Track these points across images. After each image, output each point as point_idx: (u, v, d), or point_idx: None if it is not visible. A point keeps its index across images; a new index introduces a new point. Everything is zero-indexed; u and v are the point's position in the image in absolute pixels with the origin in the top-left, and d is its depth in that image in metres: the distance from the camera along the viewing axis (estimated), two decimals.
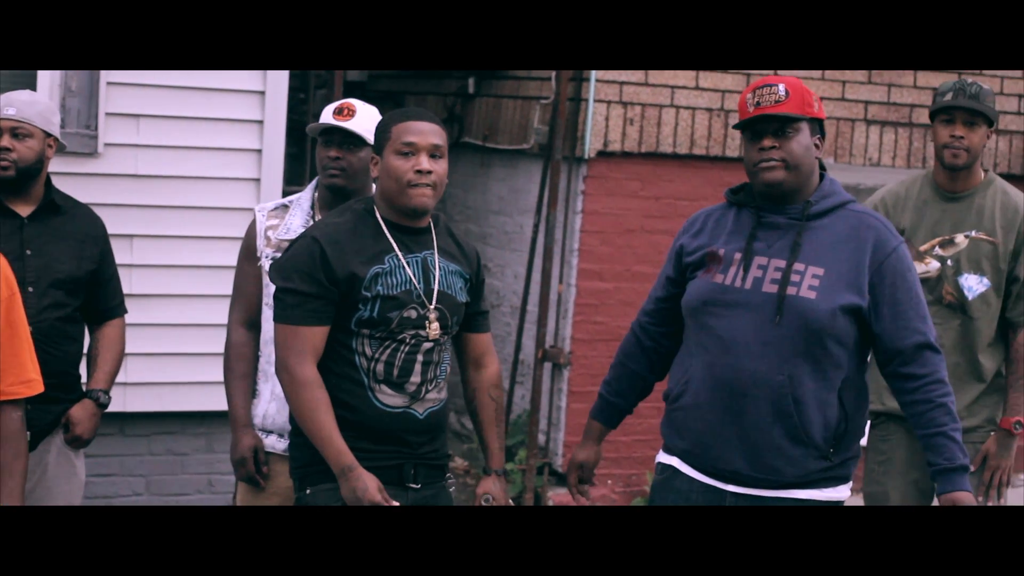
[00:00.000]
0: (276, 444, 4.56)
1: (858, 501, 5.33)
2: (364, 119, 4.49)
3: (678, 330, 4.31)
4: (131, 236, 6.28)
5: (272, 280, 4.13)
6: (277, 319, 4.03)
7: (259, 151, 6.50)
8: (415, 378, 4.04)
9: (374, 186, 4.17)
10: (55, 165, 5.05)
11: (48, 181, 4.85)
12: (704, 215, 4.29)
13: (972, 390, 5.16)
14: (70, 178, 5.78)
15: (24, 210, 4.77)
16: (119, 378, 5.07)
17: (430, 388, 4.08)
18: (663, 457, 4.29)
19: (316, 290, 3.96)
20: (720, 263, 4.13)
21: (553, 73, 7.38)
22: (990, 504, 5.16)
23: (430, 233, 4.13)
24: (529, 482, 7.39)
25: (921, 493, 5.20)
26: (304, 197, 4.65)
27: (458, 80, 8.35)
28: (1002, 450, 5.15)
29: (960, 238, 5.16)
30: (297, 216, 4.60)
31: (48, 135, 4.79)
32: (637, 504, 7.51)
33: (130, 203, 6.31)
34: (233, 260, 4.73)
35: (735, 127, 4.19)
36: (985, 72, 7.83)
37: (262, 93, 6.48)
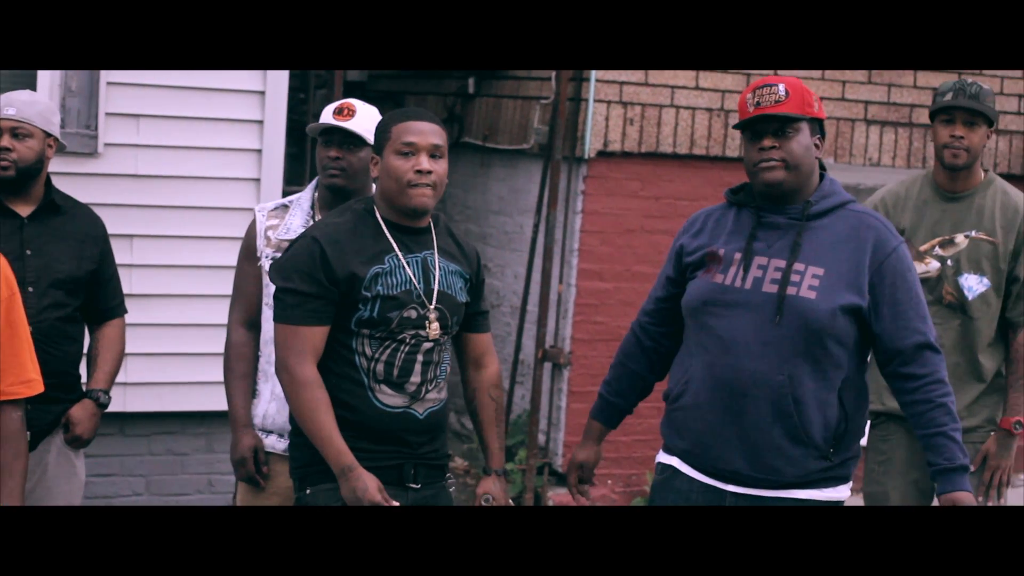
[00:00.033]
0: (276, 444, 4.56)
1: (858, 501, 5.33)
2: (364, 119, 4.49)
3: (678, 330, 4.31)
4: (131, 236, 6.28)
5: (272, 280, 4.13)
6: (277, 319, 4.02)
7: (259, 151, 6.50)
8: (415, 378, 4.04)
9: (374, 186, 4.17)
10: (55, 165, 5.05)
11: (48, 181, 4.85)
12: (704, 215, 4.29)
13: (972, 390, 5.16)
14: (70, 178, 5.78)
15: (24, 210, 4.76)
16: (119, 378, 5.07)
17: (430, 388, 4.08)
18: (663, 457, 4.29)
19: (316, 290, 3.96)
20: (720, 263, 4.13)
21: (553, 73, 7.38)
22: (990, 504, 5.16)
23: (430, 233, 4.13)
24: (529, 482, 7.39)
25: (921, 493, 5.20)
26: (304, 197, 4.65)
27: (458, 80, 8.35)
28: (1002, 450, 5.15)
29: (960, 238, 5.16)
30: (297, 216, 4.60)
31: (48, 135, 4.79)
32: (637, 504, 7.51)
33: (130, 203, 6.31)
34: (233, 260, 4.73)
35: (735, 127, 4.19)
36: (985, 72, 7.83)
37: (262, 93, 6.48)
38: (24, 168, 4.70)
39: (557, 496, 7.47)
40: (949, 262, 5.16)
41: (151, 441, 6.64)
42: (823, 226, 4.08)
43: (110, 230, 4.99)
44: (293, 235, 4.48)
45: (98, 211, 4.99)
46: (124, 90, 6.28)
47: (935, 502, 4.33)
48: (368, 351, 4.00)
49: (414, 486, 4.07)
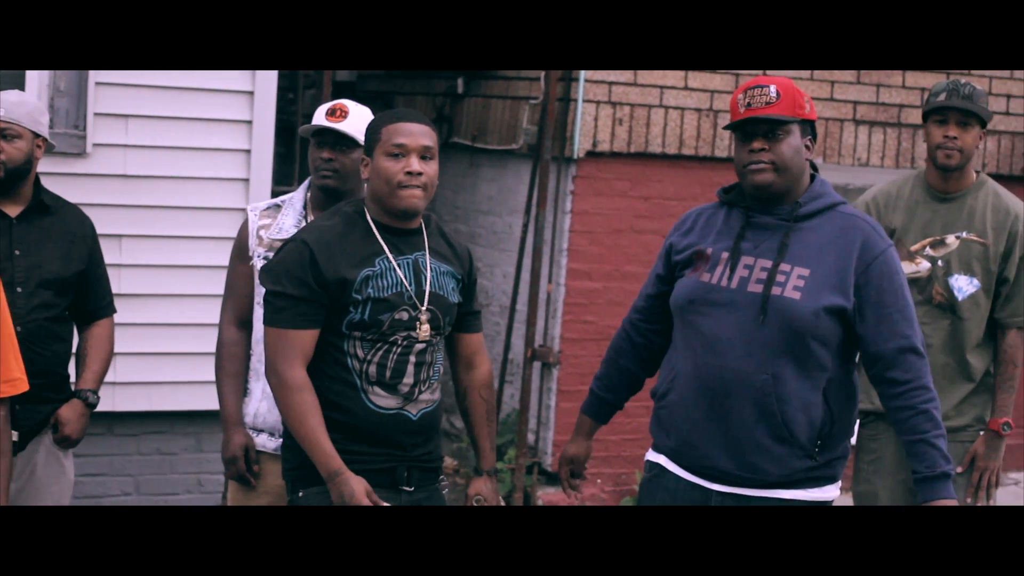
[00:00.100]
0: (267, 443, 4.56)
1: (848, 500, 5.34)
2: (357, 120, 4.49)
3: (668, 327, 4.31)
4: (120, 236, 6.28)
5: (262, 283, 4.12)
6: (267, 322, 4.01)
7: (248, 151, 6.50)
8: (408, 379, 4.04)
9: (366, 187, 4.17)
10: (44, 165, 5.04)
11: (37, 181, 4.84)
12: (695, 214, 4.29)
13: (961, 389, 5.17)
14: (59, 178, 5.78)
15: (13, 210, 4.76)
16: (108, 378, 5.07)
17: (423, 389, 4.07)
18: (651, 455, 4.30)
19: (305, 293, 3.95)
20: (707, 262, 4.14)
21: (542, 73, 7.38)
22: (979, 505, 5.17)
23: (421, 234, 4.12)
24: (519, 481, 7.40)
25: (910, 492, 5.18)
26: (296, 197, 4.65)
27: (447, 80, 8.35)
28: (990, 451, 5.16)
29: (951, 239, 5.17)
30: (289, 216, 4.59)
31: (37, 135, 4.78)
32: (626, 503, 7.51)
33: (119, 203, 6.30)
34: (222, 260, 4.73)
35: (726, 128, 4.19)
36: (974, 72, 7.84)
37: (251, 93, 6.48)
38: (13, 169, 4.70)
39: (547, 495, 7.47)
40: (940, 263, 5.16)
41: (140, 441, 6.63)
42: (811, 227, 4.09)
43: (99, 230, 4.98)
44: (285, 235, 4.48)
45: (87, 211, 4.98)
46: (113, 90, 6.27)
47: None
48: (360, 353, 4.00)
49: (407, 489, 4.06)
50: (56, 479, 4.85)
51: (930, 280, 5.17)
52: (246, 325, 4.62)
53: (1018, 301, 5.13)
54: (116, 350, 5.05)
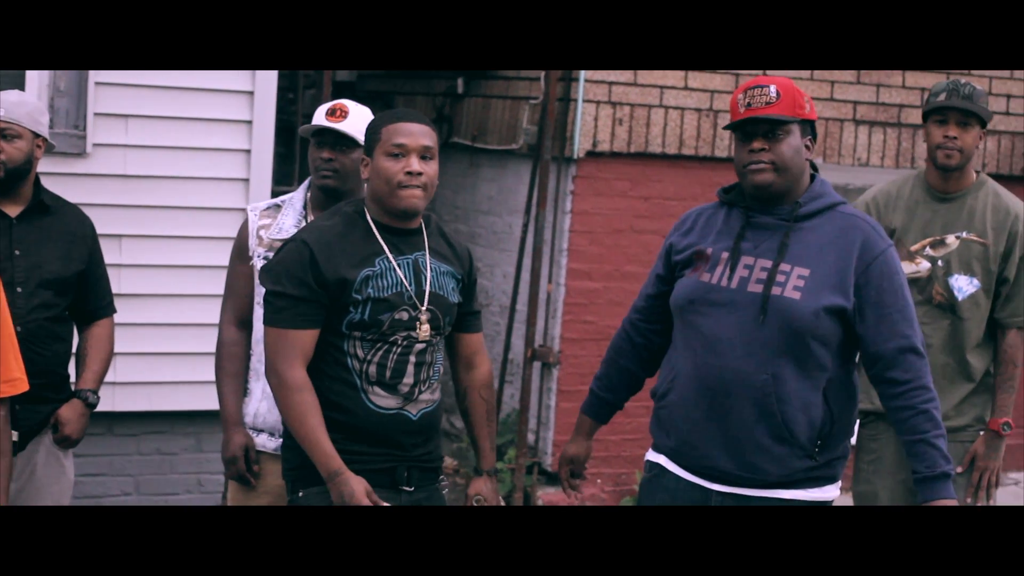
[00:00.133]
0: (267, 443, 4.56)
1: (848, 500, 5.34)
2: (357, 120, 4.48)
3: (668, 327, 4.31)
4: (120, 236, 6.28)
5: (262, 283, 4.12)
6: (266, 322, 4.01)
7: (248, 151, 6.50)
8: (408, 379, 4.04)
9: (367, 187, 4.17)
10: (44, 165, 5.04)
11: (37, 181, 4.84)
12: (696, 214, 4.29)
13: (961, 389, 5.17)
14: (59, 178, 5.78)
15: (13, 210, 4.76)
16: (108, 378, 5.07)
17: (423, 389, 4.07)
18: (651, 455, 4.30)
19: (305, 293, 3.95)
20: (707, 262, 4.14)
21: (542, 73, 7.38)
22: (979, 504, 5.17)
23: (421, 234, 4.12)
24: (519, 481, 7.40)
25: (910, 492, 5.18)
26: (297, 197, 4.65)
27: (447, 80, 8.35)
28: (990, 451, 5.16)
29: (951, 239, 5.17)
30: (289, 216, 4.59)
31: (37, 135, 4.78)
32: (626, 503, 7.51)
33: (119, 203, 6.30)
34: (222, 260, 4.73)
35: (726, 128, 4.19)
36: (974, 72, 7.84)
37: (251, 93, 6.48)
38: (13, 169, 4.70)
39: (547, 495, 7.47)
40: (940, 263, 5.16)
41: (140, 441, 6.63)
42: (811, 227, 4.09)
43: (99, 230, 4.98)
44: (285, 235, 4.48)
45: (87, 211, 4.98)
46: (113, 90, 6.27)
47: None
48: (360, 353, 4.00)
49: (407, 489, 4.06)
50: (56, 479, 4.85)
51: (930, 280, 5.17)
52: (246, 325, 4.62)
53: (1018, 301, 5.13)
54: (116, 350, 5.05)
